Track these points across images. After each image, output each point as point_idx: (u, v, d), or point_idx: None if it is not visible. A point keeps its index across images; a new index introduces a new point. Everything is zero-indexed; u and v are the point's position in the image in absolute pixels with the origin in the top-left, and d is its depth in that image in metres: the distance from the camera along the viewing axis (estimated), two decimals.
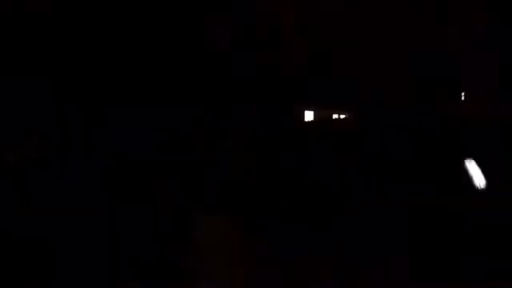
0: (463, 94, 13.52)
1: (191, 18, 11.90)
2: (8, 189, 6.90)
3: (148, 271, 5.57)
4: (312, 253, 6.12)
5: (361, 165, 10.03)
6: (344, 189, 9.07)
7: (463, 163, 9.47)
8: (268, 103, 12.62)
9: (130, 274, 5.47)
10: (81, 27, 10.51)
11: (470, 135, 10.30)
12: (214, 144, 3.46)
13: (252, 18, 12.73)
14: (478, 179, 8.69)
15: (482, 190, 8.33)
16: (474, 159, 9.41)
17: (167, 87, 11.03)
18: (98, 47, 10.49)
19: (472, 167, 9.16)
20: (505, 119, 10.58)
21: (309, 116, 15.51)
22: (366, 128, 11.68)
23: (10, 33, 9.85)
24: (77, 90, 10.11)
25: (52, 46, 10.08)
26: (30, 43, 9.91)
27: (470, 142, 9.99)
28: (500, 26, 11.54)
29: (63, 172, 8.82)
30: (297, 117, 14.28)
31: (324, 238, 6.84)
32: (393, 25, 12.59)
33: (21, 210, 6.84)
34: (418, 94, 12.82)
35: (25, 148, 7.77)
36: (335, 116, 15.53)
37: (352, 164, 10.06)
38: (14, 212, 6.63)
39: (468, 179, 8.95)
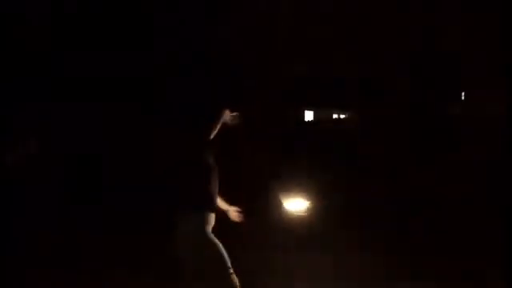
0: (463, 94, 13.51)
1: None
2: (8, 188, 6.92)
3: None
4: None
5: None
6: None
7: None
8: (269, 103, 12.62)
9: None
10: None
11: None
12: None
13: (252, 19, 12.74)
14: None
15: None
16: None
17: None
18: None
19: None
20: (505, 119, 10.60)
21: (309, 116, 15.51)
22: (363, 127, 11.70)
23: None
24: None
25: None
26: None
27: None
28: (500, 26, 11.53)
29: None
30: (297, 117, 14.30)
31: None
32: (392, 26, 12.58)
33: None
34: (417, 93, 12.81)
35: (25, 148, 7.76)
36: (335, 116, 15.50)
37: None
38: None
39: None
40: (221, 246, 3.54)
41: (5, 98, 9.03)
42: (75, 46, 10.27)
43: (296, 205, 4.19)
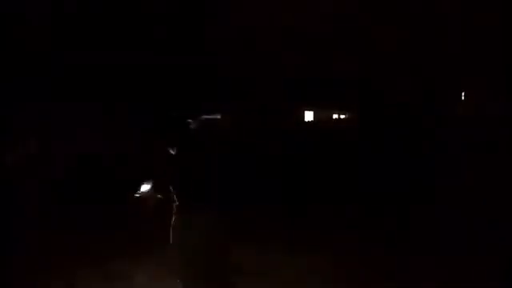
0: (463, 94, 13.51)
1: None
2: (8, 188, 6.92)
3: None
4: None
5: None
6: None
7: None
8: (268, 103, 12.63)
9: None
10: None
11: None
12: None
13: (252, 19, 12.74)
14: None
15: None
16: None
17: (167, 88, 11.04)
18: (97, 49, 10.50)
19: None
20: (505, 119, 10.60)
21: (309, 116, 15.52)
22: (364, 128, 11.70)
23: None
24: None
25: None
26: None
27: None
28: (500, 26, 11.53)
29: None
30: (297, 117, 14.30)
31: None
32: (392, 26, 12.58)
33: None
34: (417, 94, 12.81)
35: (25, 148, 7.76)
36: (335, 116, 15.51)
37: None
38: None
39: None
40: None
41: (5, 98, 9.03)
42: (75, 46, 10.26)
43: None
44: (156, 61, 10.73)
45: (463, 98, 13.52)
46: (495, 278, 5.20)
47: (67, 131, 9.55)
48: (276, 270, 5.45)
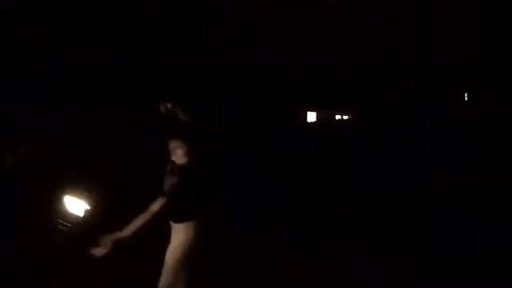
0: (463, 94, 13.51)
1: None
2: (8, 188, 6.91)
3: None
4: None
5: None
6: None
7: None
8: (271, 104, 12.63)
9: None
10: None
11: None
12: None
13: (252, 19, 12.74)
14: None
15: None
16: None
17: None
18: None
19: None
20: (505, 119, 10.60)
21: (311, 117, 15.52)
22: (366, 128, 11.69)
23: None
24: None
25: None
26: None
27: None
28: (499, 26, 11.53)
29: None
30: (299, 117, 14.30)
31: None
32: (393, 26, 12.59)
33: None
34: (417, 94, 12.81)
35: (25, 148, 7.76)
36: (338, 117, 15.50)
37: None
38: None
39: None
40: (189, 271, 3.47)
41: (5, 98, 9.03)
42: (75, 46, 10.27)
43: (74, 205, 3.51)
44: (156, 61, 10.73)
45: (463, 98, 13.53)
46: (495, 277, 5.20)
47: (67, 131, 9.54)
48: (276, 270, 5.46)
